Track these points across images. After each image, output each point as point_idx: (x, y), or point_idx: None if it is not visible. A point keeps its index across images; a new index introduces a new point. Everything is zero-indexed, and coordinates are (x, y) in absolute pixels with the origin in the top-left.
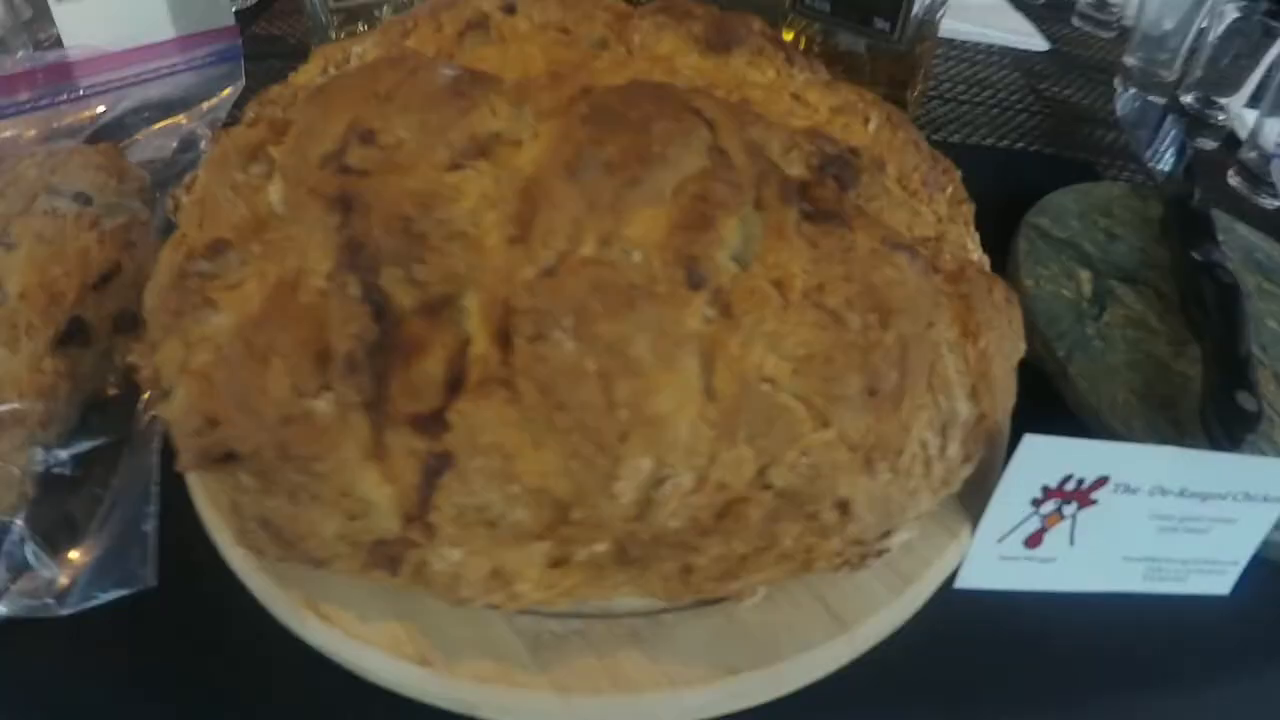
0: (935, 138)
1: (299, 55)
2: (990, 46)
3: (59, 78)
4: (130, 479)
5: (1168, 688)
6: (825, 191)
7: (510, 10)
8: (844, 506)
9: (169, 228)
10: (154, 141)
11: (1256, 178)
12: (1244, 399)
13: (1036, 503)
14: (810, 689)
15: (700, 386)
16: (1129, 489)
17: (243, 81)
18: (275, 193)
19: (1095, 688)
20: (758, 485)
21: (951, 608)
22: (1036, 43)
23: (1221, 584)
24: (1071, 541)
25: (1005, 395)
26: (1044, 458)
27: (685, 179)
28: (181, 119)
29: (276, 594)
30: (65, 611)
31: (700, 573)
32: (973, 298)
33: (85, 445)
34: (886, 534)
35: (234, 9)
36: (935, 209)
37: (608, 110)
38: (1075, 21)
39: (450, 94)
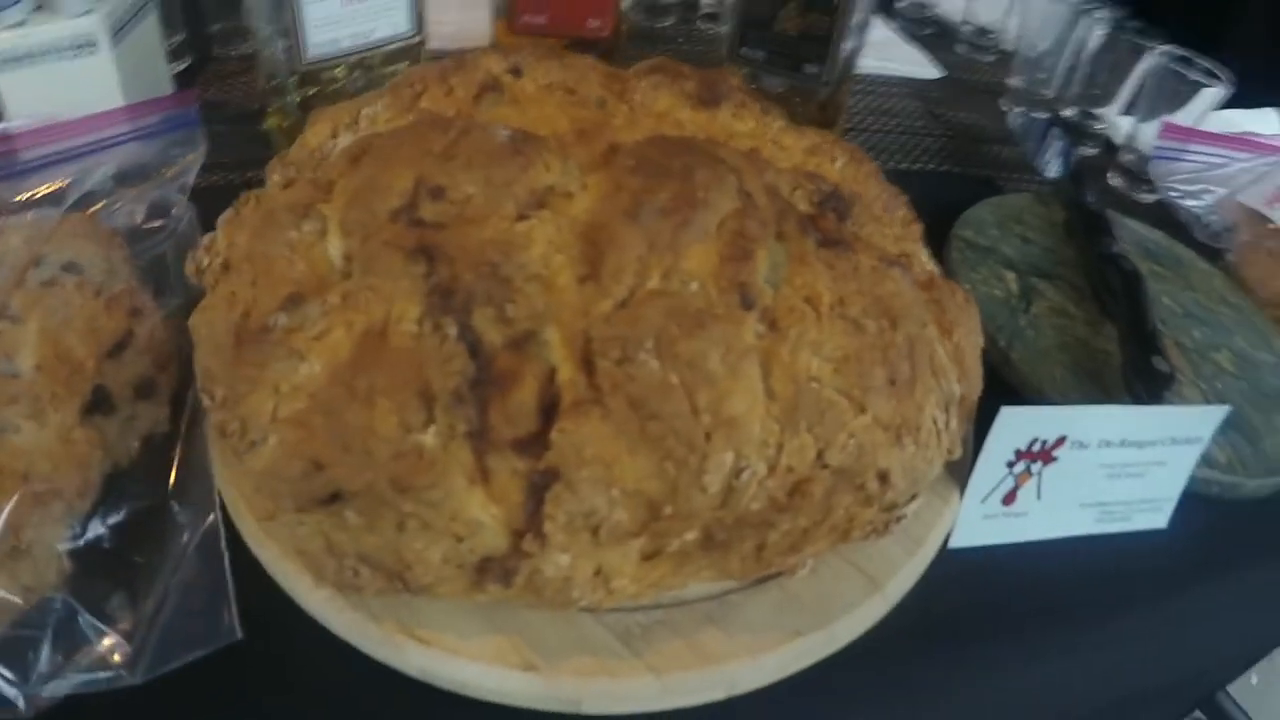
0: None
1: (246, 120)
2: (890, 78)
3: (8, 148)
4: (175, 542)
5: (1123, 609)
6: (828, 223)
7: (517, 73)
8: (884, 477)
9: (160, 290)
10: (123, 209)
11: (1134, 176)
12: (1159, 363)
13: (1010, 464)
14: (850, 646)
15: (762, 390)
16: (1082, 445)
17: (203, 147)
18: (334, 248)
19: (1067, 615)
20: (818, 466)
21: (946, 566)
22: (930, 71)
23: (1160, 519)
24: (1039, 496)
25: (978, 379)
26: (1016, 425)
27: (724, 218)
28: (146, 187)
29: (369, 629)
30: (140, 680)
31: (771, 548)
32: (944, 301)
33: (119, 515)
34: (911, 498)
35: (174, 68)
36: (894, 230)
37: (651, 162)
38: (959, 49)
39: (510, 151)
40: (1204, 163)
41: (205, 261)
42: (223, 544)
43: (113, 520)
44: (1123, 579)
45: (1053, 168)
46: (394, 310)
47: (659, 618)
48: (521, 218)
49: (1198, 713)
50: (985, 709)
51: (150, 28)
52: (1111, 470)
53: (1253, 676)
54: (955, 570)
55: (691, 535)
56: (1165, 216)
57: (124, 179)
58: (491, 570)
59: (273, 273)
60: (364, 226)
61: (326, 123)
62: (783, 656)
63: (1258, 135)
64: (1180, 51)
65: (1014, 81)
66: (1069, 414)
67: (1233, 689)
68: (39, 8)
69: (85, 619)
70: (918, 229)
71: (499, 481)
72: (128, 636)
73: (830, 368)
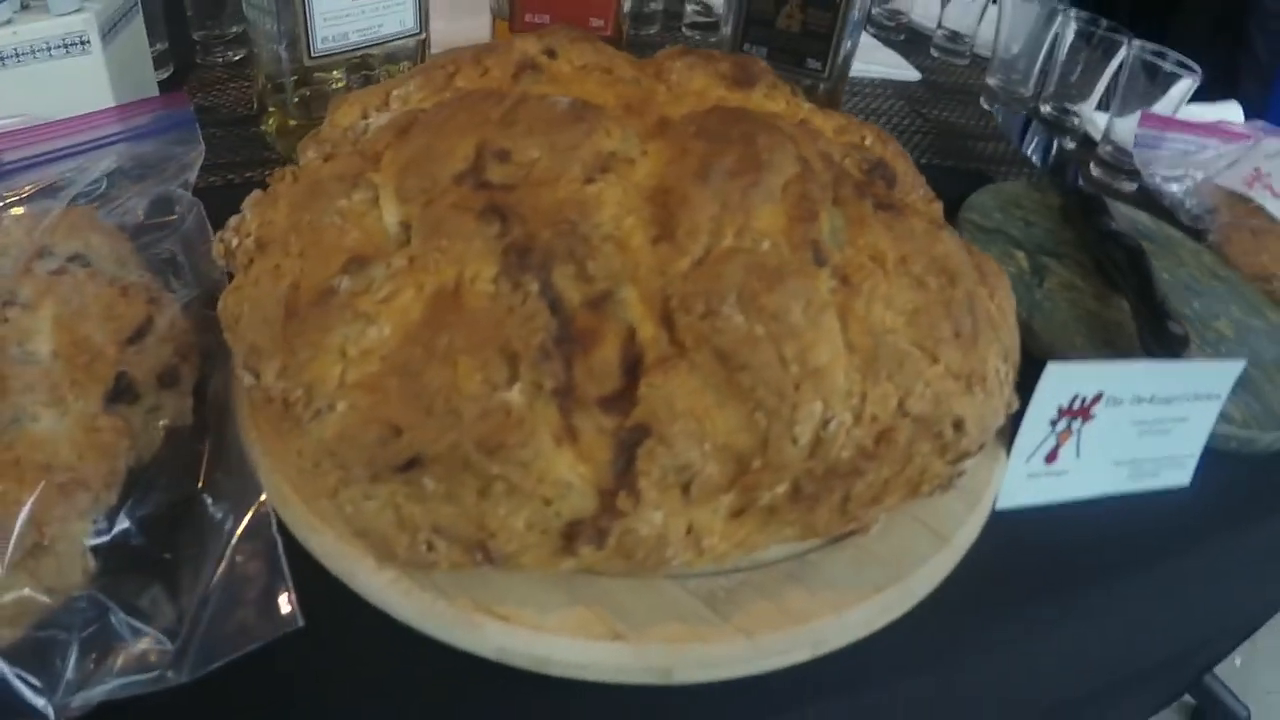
0: None
1: (239, 123)
2: (874, 80)
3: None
4: (214, 534)
5: (1154, 562)
6: (878, 189)
7: (552, 55)
8: (959, 424)
9: (170, 286)
10: (122, 207)
11: (1114, 167)
12: (1173, 326)
13: (1053, 422)
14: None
15: (842, 342)
16: (1116, 401)
17: (202, 146)
18: (390, 214)
19: (1110, 569)
20: (900, 414)
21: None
22: (910, 74)
23: (1183, 476)
24: (1078, 454)
25: (1017, 340)
26: (1061, 380)
27: (786, 181)
28: (146, 185)
29: (441, 609)
30: (187, 678)
31: (856, 500)
32: (982, 266)
33: (146, 509)
34: (980, 447)
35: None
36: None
37: (713, 129)
38: (934, 53)
39: (572, 118)
40: (1181, 150)
41: (235, 242)
42: (274, 529)
43: (140, 514)
44: (1156, 535)
45: (1036, 160)
46: (467, 270)
47: (742, 580)
48: (589, 181)
49: (1187, 696)
50: (1043, 665)
51: (138, 29)
52: (1142, 427)
53: (1236, 658)
54: (1004, 531)
55: (781, 488)
56: (1146, 205)
57: (121, 178)
58: (582, 533)
59: (323, 242)
60: (425, 192)
61: (355, 105)
62: (866, 611)
63: (1229, 124)
64: (1152, 46)
65: (992, 81)
66: (1107, 369)
67: (1218, 670)
68: (25, 7)
69: (119, 618)
70: (938, 206)
71: (586, 440)
72: (170, 635)
73: (902, 320)
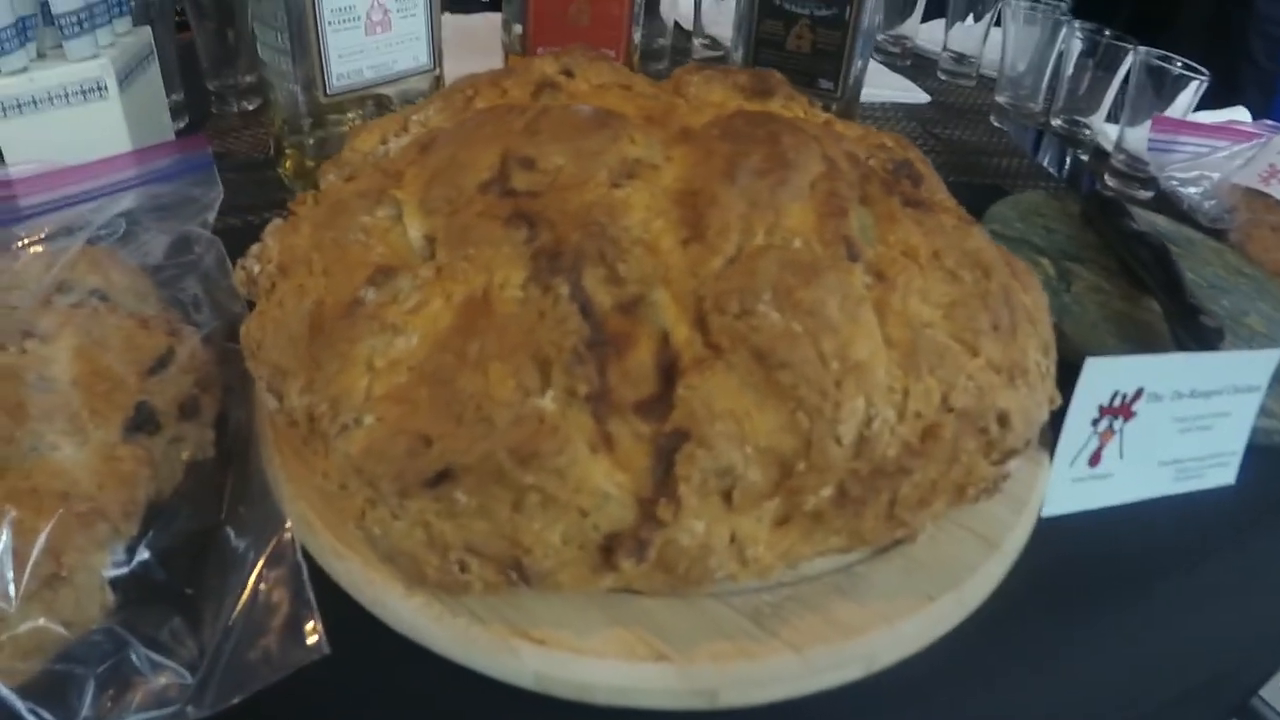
0: None
1: (255, 168)
2: (884, 104)
3: (13, 194)
4: (236, 566)
5: (1201, 567)
6: (905, 187)
7: (569, 74)
8: (1004, 419)
9: (190, 322)
10: (141, 247)
11: (1129, 176)
12: (1206, 319)
13: (1095, 422)
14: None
15: (880, 337)
16: (1157, 397)
17: (220, 187)
18: (414, 229)
19: (1157, 575)
20: (944, 409)
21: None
22: (919, 96)
23: (1228, 474)
24: (1121, 455)
25: (1052, 335)
26: (1100, 376)
27: (814, 179)
28: (165, 226)
29: (475, 635)
30: (209, 712)
31: (903, 502)
32: (1013, 264)
33: (166, 541)
34: (1026, 444)
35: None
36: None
37: (737, 131)
38: (941, 75)
39: (595, 124)
40: (1194, 152)
41: (256, 269)
42: (299, 556)
43: (160, 546)
44: (1202, 538)
45: (1053, 173)
46: (496, 277)
47: (788, 594)
48: (615, 186)
49: None
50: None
51: (154, 75)
52: (1183, 424)
53: None
54: (1050, 539)
55: (826, 492)
56: (1164, 211)
57: (141, 219)
58: (622, 546)
59: (348, 258)
60: (450, 202)
61: (375, 131)
62: (919, 622)
63: (1239, 123)
64: (1158, 51)
65: (1001, 99)
66: (1146, 363)
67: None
68: (41, 56)
69: (138, 652)
70: (960, 211)
71: (623, 447)
72: (191, 668)
73: (940, 313)
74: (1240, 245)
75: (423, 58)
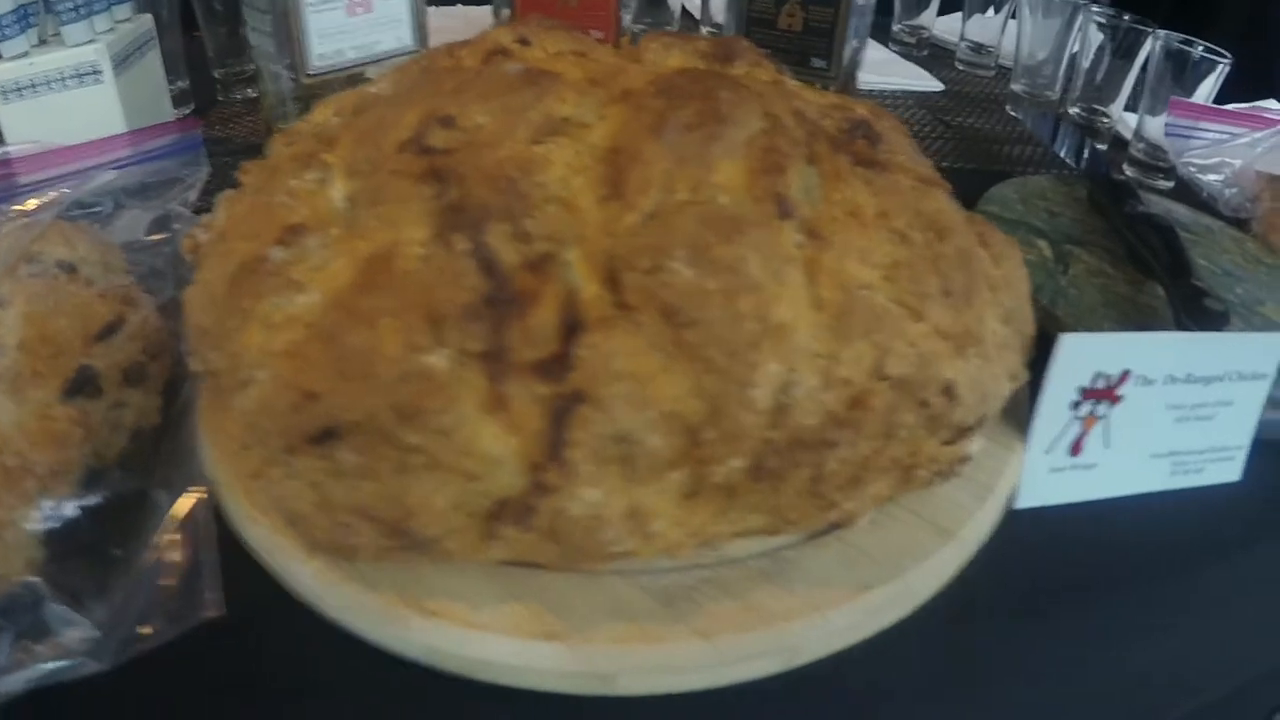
0: None
1: (251, 152)
2: (896, 92)
3: (9, 172)
4: (153, 524)
5: (1201, 571)
6: (860, 147)
7: (525, 43)
8: (949, 390)
9: (155, 292)
10: (125, 223)
11: (1148, 165)
12: (1211, 303)
13: (1074, 405)
14: (923, 609)
15: (809, 297)
16: (1147, 380)
17: (207, 167)
18: (338, 190)
19: (1145, 579)
20: (876, 377)
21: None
22: (932, 84)
23: (1232, 470)
24: (1107, 443)
25: (1029, 315)
26: (1078, 355)
27: (751, 135)
28: (150, 204)
29: (366, 601)
30: (109, 665)
31: (829, 479)
32: (986, 235)
33: (97, 501)
34: (980, 422)
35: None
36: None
37: (674, 87)
38: (959, 65)
39: (523, 82)
40: (1214, 138)
41: (201, 237)
42: (210, 518)
43: (90, 506)
44: (1203, 538)
45: (1070, 162)
46: (402, 234)
47: (705, 576)
48: (536, 143)
49: None
50: (1071, 691)
51: (153, 61)
52: (1180, 412)
53: None
54: (1025, 533)
55: (738, 463)
56: (1184, 200)
57: (128, 196)
58: (506, 512)
59: (273, 220)
60: (370, 162)
61: (331, 104)
62: (851, 614)
63: (1264, 109)
64: (1178, 35)
65: (1017, 87)
66: (1132, 342)
67: None
68: (43, 41)
69: (55, 607)
70: (946, 187)
71: (517, 409)
72: (99, 623)
73: (879, 274)
74: (1264, 235)
75: (407, 39)
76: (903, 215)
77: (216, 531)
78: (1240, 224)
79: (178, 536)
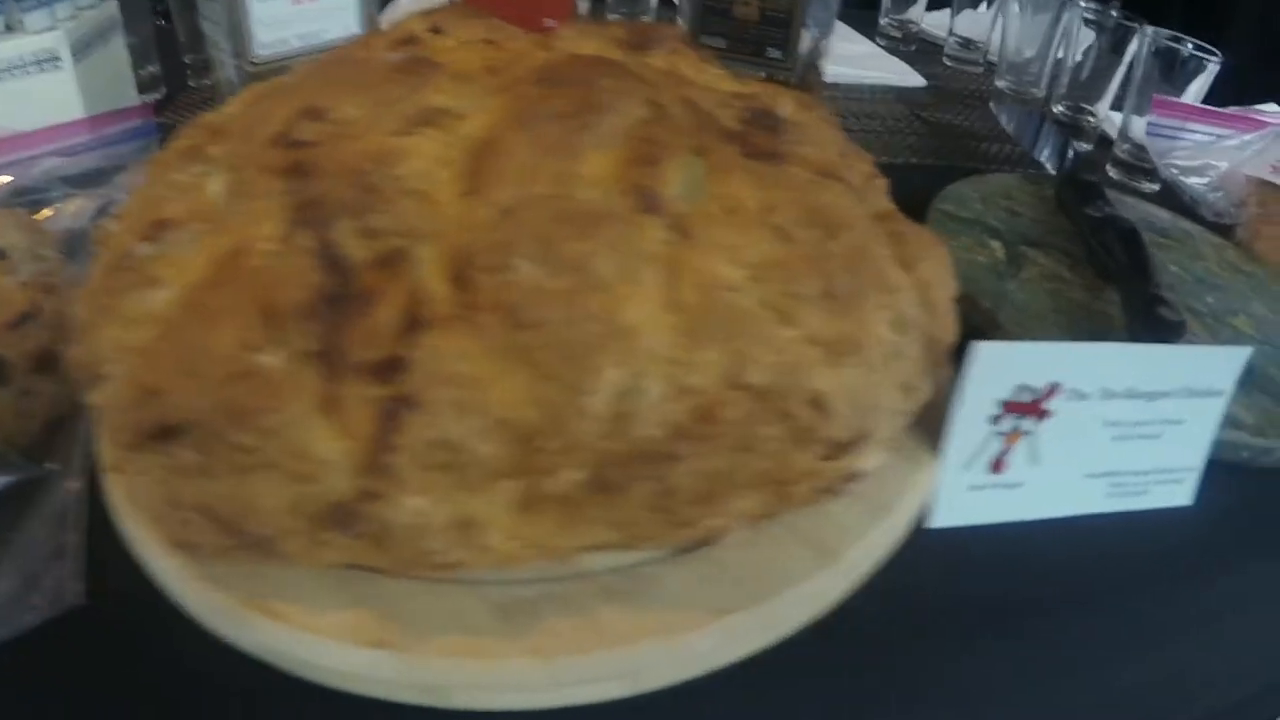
0: None
1: None
2: (874, 87)
3: None
4: (34, 513)
5: (1143, 602)
6: (758, 137)
7: (438, 31)
8: (818, 402)
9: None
10: (70, 212)
11: (1132, 167)
12: (1165, 311)
13: (994, 419)
14: (805, 635)
15: (665, 299)
16: (1080, 395)
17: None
18: (216, 184)
19: (1075, 610)
20: (731, 385)
21: (928, 549)
22: (914, 79)
23: (1182, 493)
24: (1034, 461)
25: (949, 320)
26: (996, 366)
27: (630, 125)
28: (97, 192)
29: (216, 600)
30: None
31: (679, 495)
32: (905, 234)
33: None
34: (861, 440)
35: (145, 100)
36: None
37: (554, 75)
38: (947, 62)
39: (399, 73)
40: (1200, 140)
41: (112, 228)
42: (79, 507)
43: None
44: (1148, 567)
45: (1049, 161)
46: (258, 230)
47: (549, 590)
48: (405, 134)
49: None
50: None
51: (116, 49)
52: (1120, 430)
53: None
54: (939, 555)
55: (575, 474)
56: (1170, 204)
57: (82, 184)
58: (330, 517)
59: (146, 215)
60: (243, 156)
61: (252, 94)
62: (704, 639)
63: (1256, 111)
64: (1167, 32)
65: (1001, 84)
66: (1061, 353)
67: None
68: (9, 29)
69: None
70: (881, 184)
71: (351, 412)
72: None
73: (748, 274)
74: (1247, 242)
75: (353, 26)
76: (789, 211)
77: (88, 521)
78: (1224, 230)
79: (51, 527)
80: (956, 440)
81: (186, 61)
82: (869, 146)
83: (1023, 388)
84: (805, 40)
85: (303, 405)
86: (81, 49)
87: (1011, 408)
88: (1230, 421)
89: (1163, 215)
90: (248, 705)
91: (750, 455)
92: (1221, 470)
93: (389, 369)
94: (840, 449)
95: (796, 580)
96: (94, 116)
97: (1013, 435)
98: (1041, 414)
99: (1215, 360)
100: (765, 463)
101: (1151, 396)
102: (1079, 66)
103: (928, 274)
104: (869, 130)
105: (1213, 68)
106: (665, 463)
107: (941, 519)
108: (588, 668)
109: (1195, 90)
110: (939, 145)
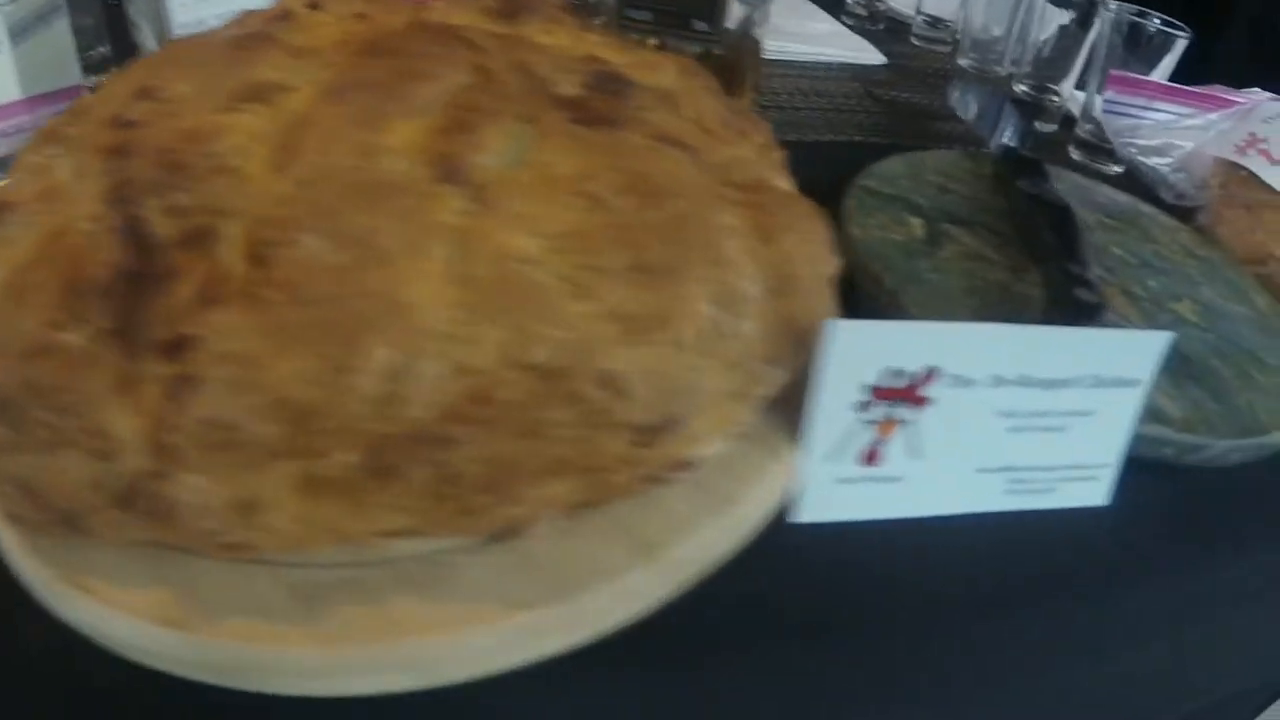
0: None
1: None
2: (830, 64)
3: None
4: None
5: (1041, 612)
6: (597, 102)
7: (315, 7)
8: (610, 382)
9: None
10: None
11: (1095, 148)
12: (1082, 293)
13: (864, 406)
14: (637, 636)
15: (453, 273)
16: (965, 381)
17: None
18: (65, 166)
19: (971, 619)
20: (511, 365)
21: (799, 542)
22: (874, 57)
23: (1097, 492)
24: (915, 453)
25: (813, 300)
26: (860, 347)
27: (450, 93)
28: None
29: (43, 574)
30: None
31: (465, 482)
32: (769, 206)
33: None
34: (671, 425)
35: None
36: (737, 151)
37: (378, 44)
38: (915, 41)
39: (231, 49)
40: (1162, 119)
41: None
42: None
43: None
44: (1050, 572)
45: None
46: (80, 210)
47: (347, 576)
48: (229, 111)
49: None
50: None
51: (61, 32)
52: (1017, 421)
53: None
54: (805, 554)
55: (349, 457)
56: (1134, 186)
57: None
58: (116, 494)
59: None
60: (85, 138)
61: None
62: (500, 633)
63: (1222, 90)
64: (1133, 7)
65: (964, 62)
66: (938, 334)
67: None
68: None
69: None
70: (776, 156)
71: (144, 390)
72: None
73: (547, 246)
74: (1210, 227)
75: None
76: (610, 178)
77: None
78: (1185, 213)
79: None
80: (818, 428)
81: (136, 41)
82: (812, 126)
83: (893, 371)
84: (736, 12)
85: (100, 383)
86: (20, 32)
87: (882, 394)
88: (1153, 415)
89: (1120, 197)
90: (70, 678)
91: (540, 441)
92: (1144, 469)
93: (179, 347)
94: (650, 434)
95: (607, 575)
96: (30, 98)
97: (886, 424)
98: (919, 401)
99: (1130, 346)
100: (562, 449)
101: (1053, 385)
102: (1043, 44)
103: (791, 248)
104: (815, 108)
105: (1180, 44)
106: (441, 447)
107: (809, 514)
108: (371, 657)
109: (1164, 68)
110: (890, 124)
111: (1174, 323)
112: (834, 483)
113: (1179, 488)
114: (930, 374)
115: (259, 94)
